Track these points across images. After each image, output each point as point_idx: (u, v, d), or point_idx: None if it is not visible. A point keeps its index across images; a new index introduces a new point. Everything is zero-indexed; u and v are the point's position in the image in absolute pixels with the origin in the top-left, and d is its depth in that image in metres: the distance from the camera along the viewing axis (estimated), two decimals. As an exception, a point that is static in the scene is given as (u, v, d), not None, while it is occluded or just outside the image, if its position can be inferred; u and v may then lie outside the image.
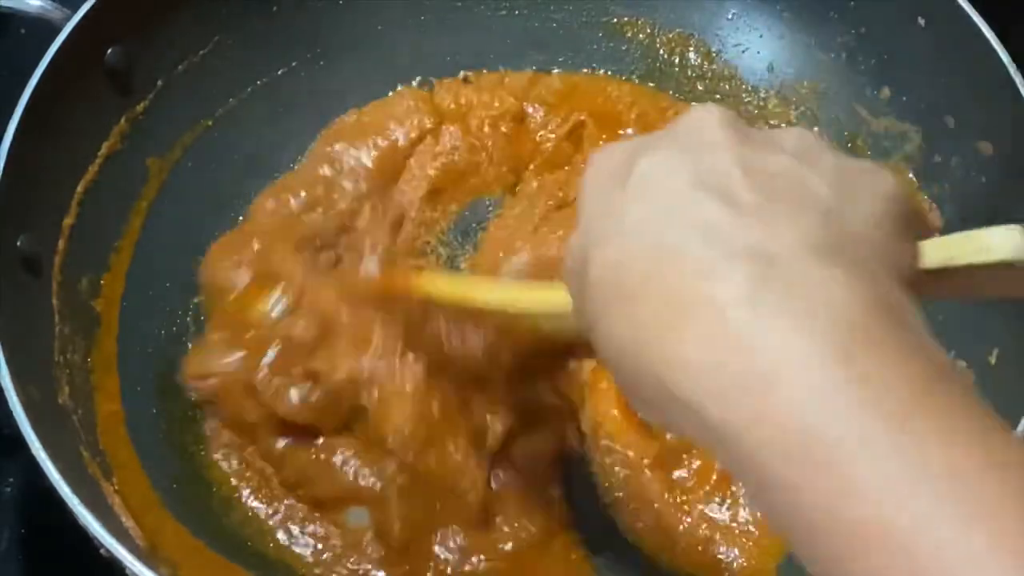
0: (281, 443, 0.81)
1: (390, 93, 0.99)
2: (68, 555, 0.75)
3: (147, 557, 0.65)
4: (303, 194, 0.91)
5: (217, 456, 0.83)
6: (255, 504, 0.81)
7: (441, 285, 0.72)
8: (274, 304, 0.83)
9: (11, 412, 0.67)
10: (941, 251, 0.46)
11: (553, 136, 0.97)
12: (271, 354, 0.80)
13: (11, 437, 0.67)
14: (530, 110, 0.98)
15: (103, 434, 0.78)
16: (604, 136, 0.97)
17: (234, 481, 0.82)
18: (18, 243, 0.75)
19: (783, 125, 0.98)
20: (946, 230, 0.85)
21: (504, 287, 0.67)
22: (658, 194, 0.44)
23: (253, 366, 0.81)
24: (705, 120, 0.46)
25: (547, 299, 0.58)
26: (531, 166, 0.95)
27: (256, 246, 0.87)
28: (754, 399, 0.37)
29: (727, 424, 0.38)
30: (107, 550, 0.63)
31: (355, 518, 0.81)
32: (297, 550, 0.80)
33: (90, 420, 0.78)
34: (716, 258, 0.39)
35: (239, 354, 0.81)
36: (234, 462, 0.82)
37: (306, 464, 0.81)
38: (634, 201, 0.45)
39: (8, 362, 0.68)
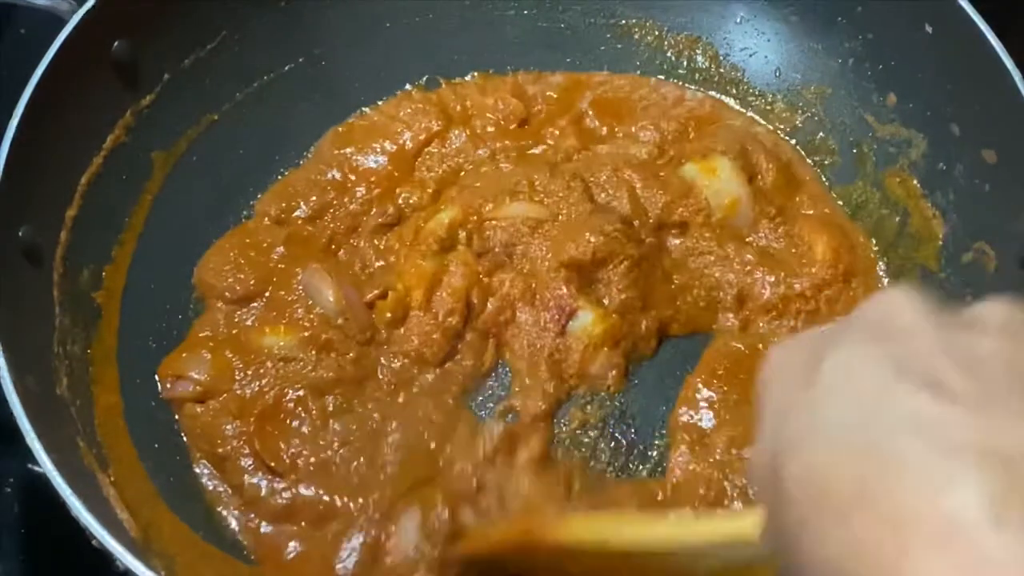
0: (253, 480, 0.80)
1: (397, 91, 0.99)
2: (65, 546, 0.74)
3: (139, 549, 0.65)
4: (313, 199, 0.92)
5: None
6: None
7: (588, 528, 0.63)
8: (281, 344, 0.84)
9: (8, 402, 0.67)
10: None
11: (557, 132, 0.97)
12: None
13: (10, 428, 0.67)
14: (535, 108, 0.99)
15: (101, 425, 0.78)
16: (607, 124, 0.98)
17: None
18: (20, 233, 0.75)
19: (788, 130, 0.98)
20: (949, 238, 0.86)
21: (675, 522, 0.57)
22: (857, 389, 0.40)
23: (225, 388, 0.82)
24: (895, 305, 0.42)
25: (731, 527, 0.51)
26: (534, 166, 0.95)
27: (273, 260, 0.87)
28: None
29: None
30: (99, 541, 0.63)
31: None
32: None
33: (88, 411, 0.78)
34: (942, 463, 0.35)
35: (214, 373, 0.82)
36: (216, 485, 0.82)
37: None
38: (829, 398, 0.41)
39: (6, 352, 0.68)
